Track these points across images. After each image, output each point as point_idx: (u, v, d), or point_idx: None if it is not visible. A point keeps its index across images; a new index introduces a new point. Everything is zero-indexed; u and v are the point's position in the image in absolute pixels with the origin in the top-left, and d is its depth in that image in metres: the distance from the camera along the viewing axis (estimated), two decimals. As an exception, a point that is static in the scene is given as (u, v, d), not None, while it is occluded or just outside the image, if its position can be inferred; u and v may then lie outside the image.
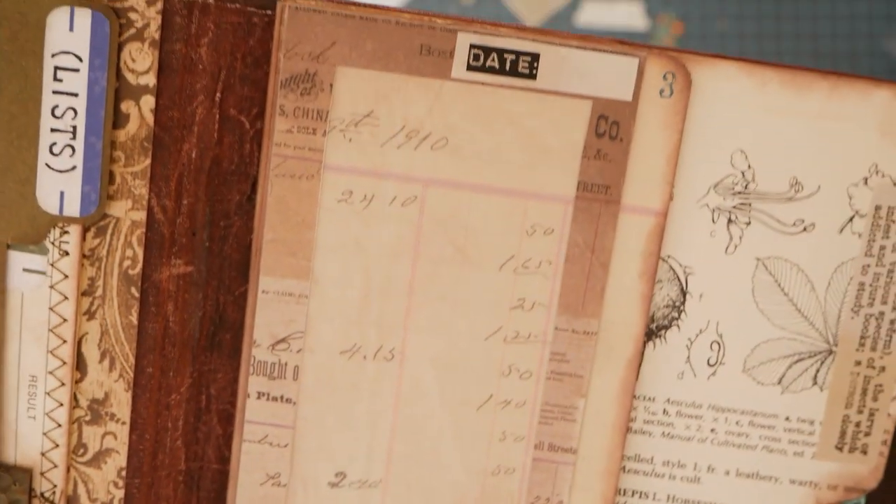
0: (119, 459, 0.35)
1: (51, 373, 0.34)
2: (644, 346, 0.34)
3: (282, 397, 0.35)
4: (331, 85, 0.32)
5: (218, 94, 0.33)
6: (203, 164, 0.33)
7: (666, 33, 0.55)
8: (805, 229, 0.33)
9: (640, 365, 0.34)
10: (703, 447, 0.35)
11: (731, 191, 0.33)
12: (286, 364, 0.34)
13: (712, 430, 0.35)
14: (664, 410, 0.35)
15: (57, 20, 0.31)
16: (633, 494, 0.35)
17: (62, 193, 0.32)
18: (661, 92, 0.32)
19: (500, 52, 0.32)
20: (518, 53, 0.32)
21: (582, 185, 0.33)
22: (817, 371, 0.34)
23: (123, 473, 0.35)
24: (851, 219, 0.33)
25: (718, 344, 0.34)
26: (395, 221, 0.33)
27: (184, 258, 0.34)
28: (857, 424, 0.35)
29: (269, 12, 0.33)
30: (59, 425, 0.34)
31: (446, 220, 0.33)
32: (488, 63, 0.32)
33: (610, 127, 0.33)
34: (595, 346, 0.34)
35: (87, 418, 0.34)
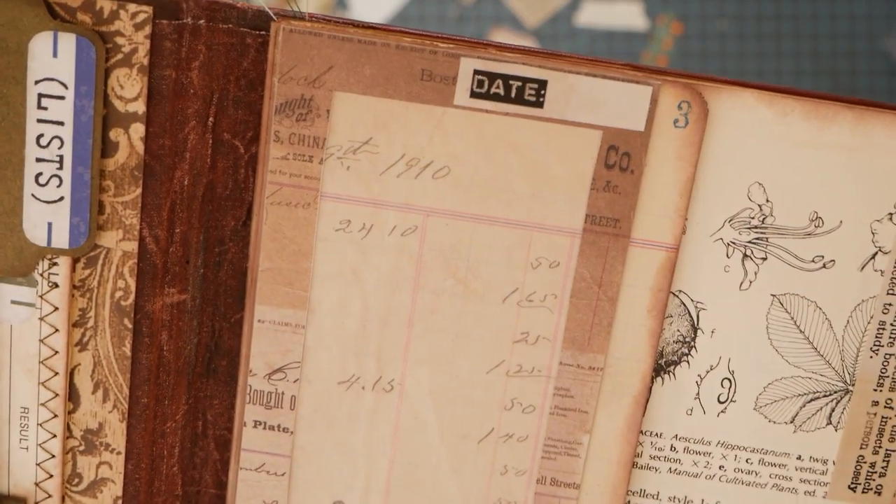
0: (115, 489, 0.33)
1: (43, 404, 0.31)
2: (652, 382, 0.31)
3: (279, 426, 0.32)
4: (328, 111, 0.29)
5: (211, 119, 0.30)
6: (196, 190, 0.31)
7: (665, 33, 0.52)
8: (824, 266, 0.30)
9: (647, 401, 0.31)
10: (710, 484, 0.32)
11: (748, 225, 0.30)
12: (283, 393, 0.32)
13: (721, 468, 0.32)
14: (671, 446, 0.32)
15: (40, 46, 0.28)
16: (637, 530, 0.33)
17: (50, 225, 0.30)
18: (676, 122, 0.29)
19: (506, 79, 0.29)
20: (524, 80, 0.29)
21: (590, 218, 0.30)
22: (832, 410, 0.31)
23: (120, 502, 0.33)
24: (874, 255, 0.30)
25: (730, 381, 0.31)
26: (394, 252, 0.31)
27: (177, 287, 0.31)
28: (872, 465, 0.32)
29: (263, 33, 0.30)
30: (53, 456, 0.32)
31: (447, 251, 0.31)
32: (493, 90, 0.29)
33: (620, 158, 0.29)
34: (601, 382, 0.31)
35: (82, 448, 0.32)
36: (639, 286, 0.30)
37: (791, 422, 0.32)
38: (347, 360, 0.32)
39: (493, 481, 0.32)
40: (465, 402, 0.32)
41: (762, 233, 0.30)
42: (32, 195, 0.29)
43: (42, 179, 0.29)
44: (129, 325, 0.31)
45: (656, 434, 0.32)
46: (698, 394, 0.32)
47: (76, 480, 0.32)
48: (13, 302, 0.30)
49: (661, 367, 0.31)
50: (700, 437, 0.32)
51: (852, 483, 0.32)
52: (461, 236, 0.30)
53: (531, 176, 0.30)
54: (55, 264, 0.30)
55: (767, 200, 0.30)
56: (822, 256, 0.30)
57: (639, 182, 0.29)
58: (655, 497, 0.33)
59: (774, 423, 0.32)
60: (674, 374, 0.31)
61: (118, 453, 0.32)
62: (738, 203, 0.30)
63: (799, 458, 0.32)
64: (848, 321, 0.31)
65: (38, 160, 0.29)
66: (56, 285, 0.30)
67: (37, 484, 0.32)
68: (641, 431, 0.32)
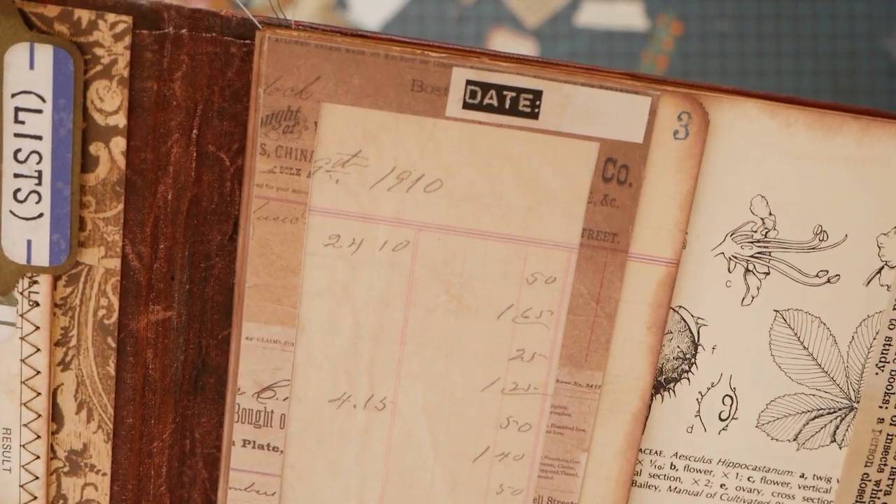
0: (101, 510, 0.31)
1: (26, 425, 0.30)
2: (651, 400, 0.30)
3: (268, 445, 0.31)
4: (315, 123, 0.28)
5: (195, 131, 0.29)
6: (180, 205, 0.29)
7: (666, 33, 0.51)
8: (829, 280, 0.29)
9: (646, 419, 0.30)
10: (711, 502, 0.31)
11: (750, 239, 0.29)
12: (272, 412, 0.31)
13: (722, 486, 0.31)
14: (671, 465, 0.31)
15: (16, 57, 0.27)
16: (637, 549, 0.32)
17: (29, 242, 0.28)
18: (676, 133, 0.28)
19: (500, 89, 0.28)
20: (519, 91, 0.28)
21: (587, 233, 0.29)
22: (836, 428, 0.30)
23: (106, 524, 0.32)
24: (880, 270, 0.29)
25: (731, 398, 0.30)
26: (385, 267, 0.29)
27: (162, 304, 0.30)
28: (878, 483, 0.31)
29: (248, 42, 0.28)
30: (37, 477, 0.31)
31: (440, 266, 0.29)
32: (486, 101, 0.28)
33: (618, 171, 0.28)
34: (598, 400, 0.30)
35: (66, 469, 0.31)
36: (638, 302, 0.29)
37: (794, 439, 0.30)
38: (338, 378, 0.30)
39: (488, 500, 0.31)
40: (459, 421, 0.31)
41: (765, 247, 0.29)
42: (11, 212, 0.28)
43: (20, 195, 0.28)
44: (113, 344, 0.30)
45: (656, 452, 0.31)
46: (699, 411, 0.30)
47: (61, 502, 0.31)
48: (-8, 321, 0.29)
49: (661, 384, 0.30)
50: (701, 455, 0.31)
51: (857, 501, 0.31)
52: (454, 251, 0.29)
53: (526, 189, 0.28)
54: (36, 282, 0.29)
55: (770, 213, 0.29)
56: (827, 271, 0.29)
57: (637, 195, 0.28)
58: (655, 516, 0.32)
59: (777, 440, 0.31)
60: (674, 391, 0.30)
61: (104, 474, 0.31)
62: (740, 216, 0.29)
63: (802, 476, 0.31)
64: (853, 337, 0.29)
65: (17, 175, 0.28)
66: (37, 304, 0.29)
67: (20, 506, 0.31)
68: (641, 449, 0.31)
